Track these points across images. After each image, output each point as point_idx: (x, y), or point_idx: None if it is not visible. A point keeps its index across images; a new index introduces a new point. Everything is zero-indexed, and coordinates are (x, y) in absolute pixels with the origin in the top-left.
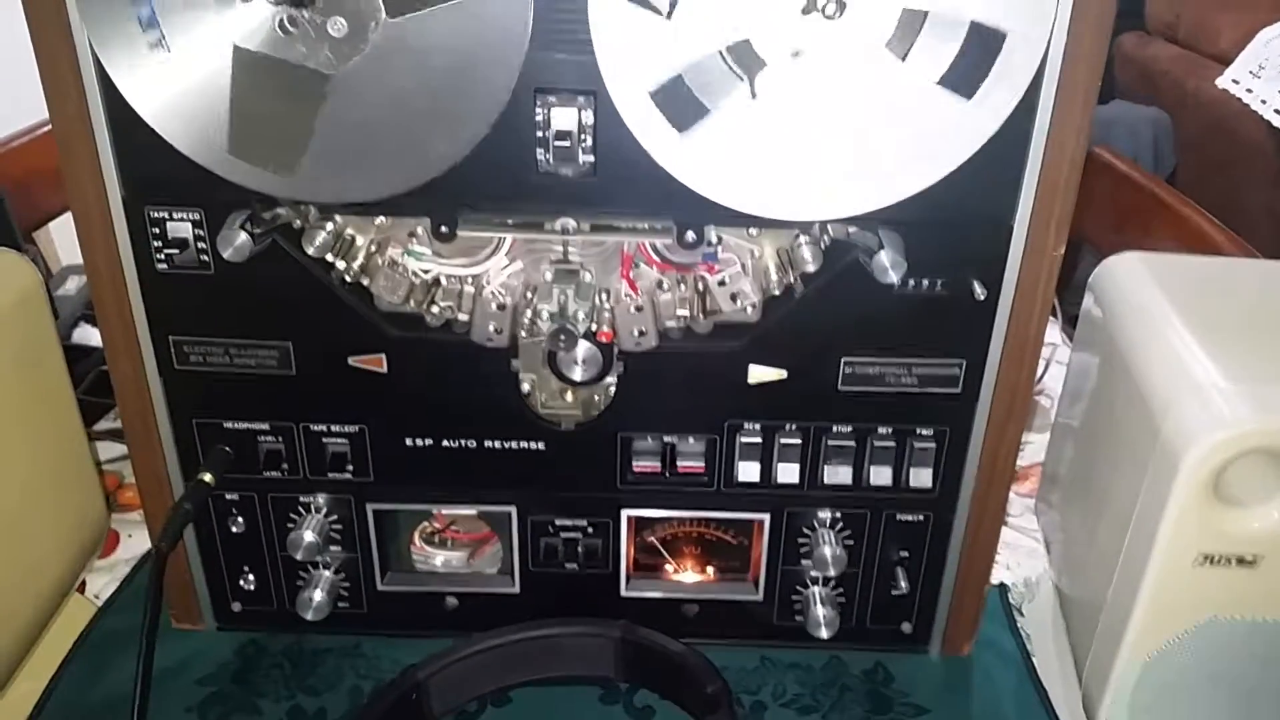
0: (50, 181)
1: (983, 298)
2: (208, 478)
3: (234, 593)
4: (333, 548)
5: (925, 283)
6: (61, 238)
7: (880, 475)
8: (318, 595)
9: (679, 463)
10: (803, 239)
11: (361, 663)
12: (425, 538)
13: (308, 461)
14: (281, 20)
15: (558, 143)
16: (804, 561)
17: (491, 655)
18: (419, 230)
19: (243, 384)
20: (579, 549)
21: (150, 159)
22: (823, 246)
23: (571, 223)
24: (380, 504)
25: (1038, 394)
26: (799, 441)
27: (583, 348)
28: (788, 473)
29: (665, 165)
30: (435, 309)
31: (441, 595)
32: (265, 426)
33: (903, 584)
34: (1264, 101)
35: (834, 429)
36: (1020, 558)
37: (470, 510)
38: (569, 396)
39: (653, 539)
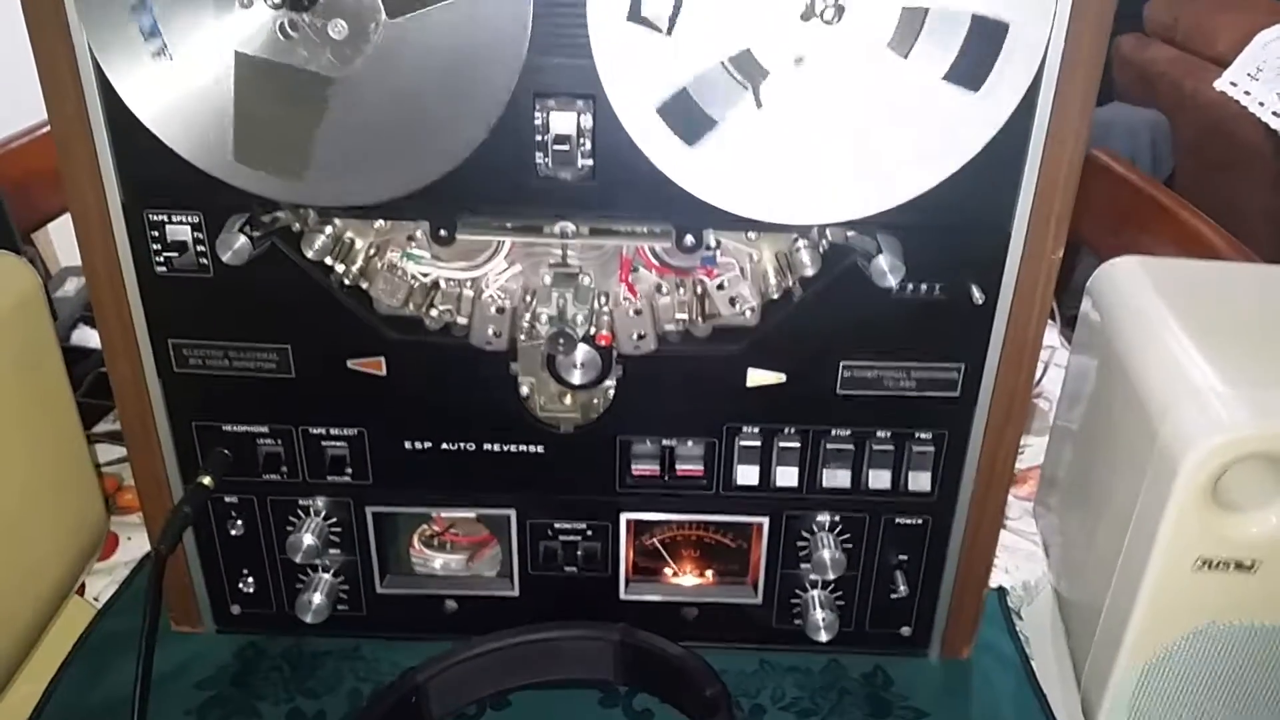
0: (49, 182)
1: (981, 301)
2: (207, 480)
3: (233, 595)
4: (332, 551)
5: (924, 286)
6: (60, 239)
7: (879, 479)
8: (317, 598)
9: (678, 466)
10: (801, 243)
11: (361, 666)
12: (424, 541)
13: (307, 464)
14: (282, 24)
15: (557, 146)
16: (803, 565)
17: (491, 658)
18: (418, 233)
19: (242, 387)
20: (578, 552)
21: (150, 162)
22: (821, 250)
23: (570, 226)
24: (379, 507)
25: (1036, 396)
26: (798, 445)
27: (582, 351)
28: (787, 476)
29: (674, 178)
30: (434, 312)
31: (441, 598)
32: (264, 429)
33: (902, 587)
34: (1262, 104)
35: (833, 432)
36: (1019, 561)
37: (469, 513)
38: (568, 400)
39: (652, 542)
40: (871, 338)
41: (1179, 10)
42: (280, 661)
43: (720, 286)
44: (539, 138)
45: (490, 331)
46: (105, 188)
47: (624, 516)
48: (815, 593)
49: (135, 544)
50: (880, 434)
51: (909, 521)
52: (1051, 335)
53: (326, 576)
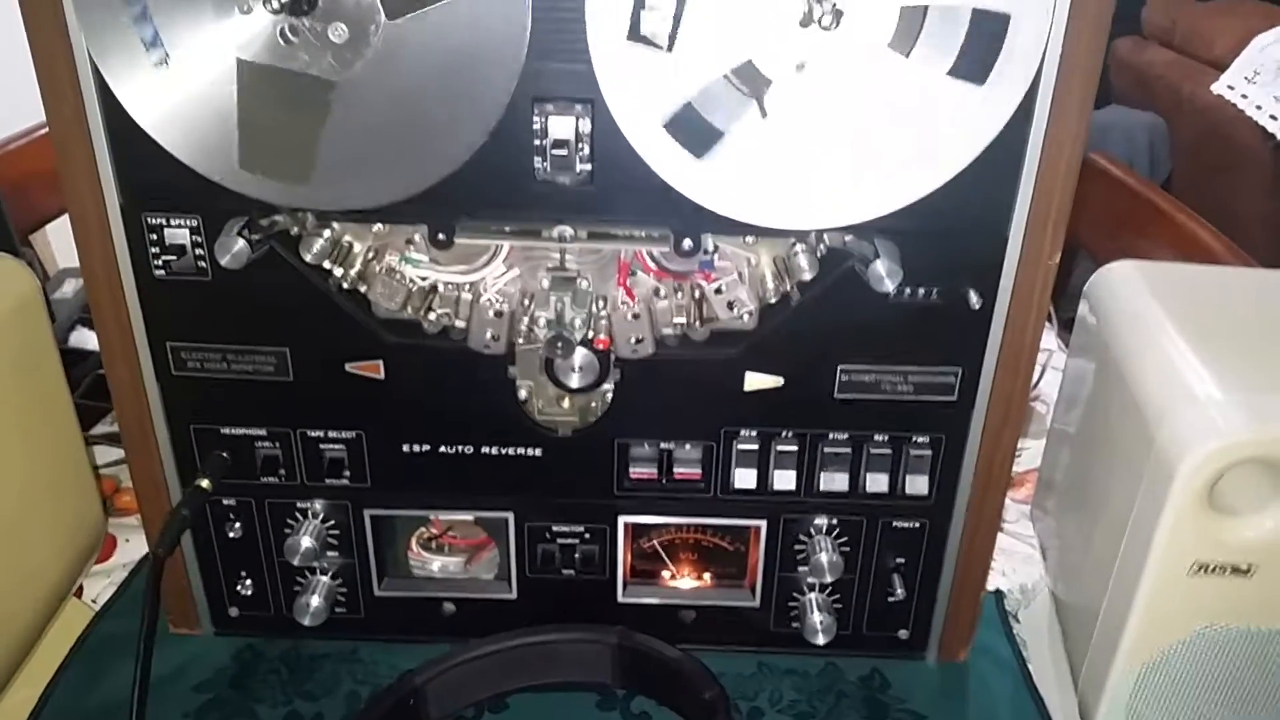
0: (48, 184)
1: (978, 306)
2: (205, 483)
3: (231, 598)
4: (330, 553)
5: (921, 291)
6: (59, 240)
7: (876, 482)
8: (315, 601)
9: (676, 469)
10: (799, 247)
11: (359, 668)
12: (422, 543)
13: (305, 467)
14: (283, 29)
15: (555, 151)
16: (800, 568)
17: (488, 661)
18: (416, 237)
19: (240, 390)
20: (576, 555)
21: (148, 165)
22: (819, 255)
23: (569, 230)
24: (377, 510)
25: (1033, 400)
26: (795, 448)
27: (580, 355)
28: (784, 479)
29: (680, 189)
30: (432, 316)
31: (439, 601)
32: (263, 432)
33: (899, 590)
34: (1259, 107)
35: (830, 436)
36: (1016, 564)
37: (467, 516)
38: (566, 403)
39: (650, 545)
40: (869, 342)
41: (1177, 13)
42: (278, 664)
43: (718, 290)
44: (538, 142)
45: (488, 335)
46: (104, 190)
47: (622, 519)
48: (813, 596)
49: (133, 546)
50: (878, 438)
51: (906, 525)
52: (1048, 338)
53: (324, 579)
